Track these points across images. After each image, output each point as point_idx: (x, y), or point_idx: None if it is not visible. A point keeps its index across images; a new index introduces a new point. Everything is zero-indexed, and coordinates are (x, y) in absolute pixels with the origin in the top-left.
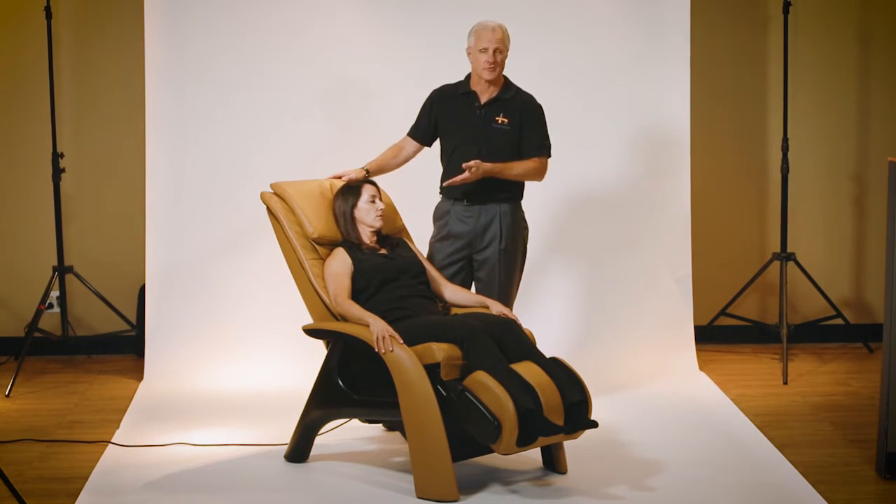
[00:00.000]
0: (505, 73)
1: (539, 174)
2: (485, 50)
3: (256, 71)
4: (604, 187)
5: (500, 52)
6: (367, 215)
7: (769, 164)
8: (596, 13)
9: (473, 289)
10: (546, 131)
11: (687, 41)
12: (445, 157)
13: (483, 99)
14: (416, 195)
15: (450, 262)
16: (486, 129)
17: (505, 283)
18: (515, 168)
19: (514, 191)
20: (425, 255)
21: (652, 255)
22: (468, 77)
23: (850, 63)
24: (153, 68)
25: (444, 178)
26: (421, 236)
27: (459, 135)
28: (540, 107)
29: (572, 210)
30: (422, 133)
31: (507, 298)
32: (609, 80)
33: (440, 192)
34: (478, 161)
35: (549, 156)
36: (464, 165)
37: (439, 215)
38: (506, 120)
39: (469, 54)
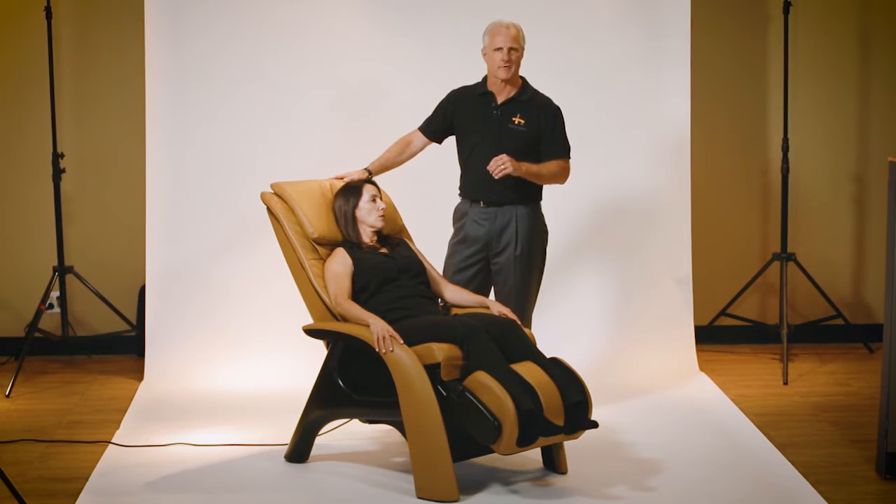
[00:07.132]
0: None
1: (563, 176)
2: (499, 49)
3: (256, 70)
4: (603, 188)
5: (515, 50)
6: (368, 215)
7: (769, 164)
8: (596, 13)
9: (492, 295)
10: (566, 133)
11: (687, 41)
12: (463, 159)
13: (500, 99)
14: (418, 195)
15: (466, 265)
16: (501, 130)
17: (520, 289)
18: (545, 168)
19: (530, 191)
20: (444, 255)
21: (652, 255)
22: (485, 78)
23: (850, 63)
24: (153, 68)
25: (463, 179)
26: (426, 237)
27: (476, 135)
28: (559, 109)
29: (572, 211)
30: (434, 130)
31: (525, 304)
32: (609, 80)
33: (459, 194)
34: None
35: (570, 157)
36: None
37: (458, 217)
38: (522, 121)
39: (484, 55)
